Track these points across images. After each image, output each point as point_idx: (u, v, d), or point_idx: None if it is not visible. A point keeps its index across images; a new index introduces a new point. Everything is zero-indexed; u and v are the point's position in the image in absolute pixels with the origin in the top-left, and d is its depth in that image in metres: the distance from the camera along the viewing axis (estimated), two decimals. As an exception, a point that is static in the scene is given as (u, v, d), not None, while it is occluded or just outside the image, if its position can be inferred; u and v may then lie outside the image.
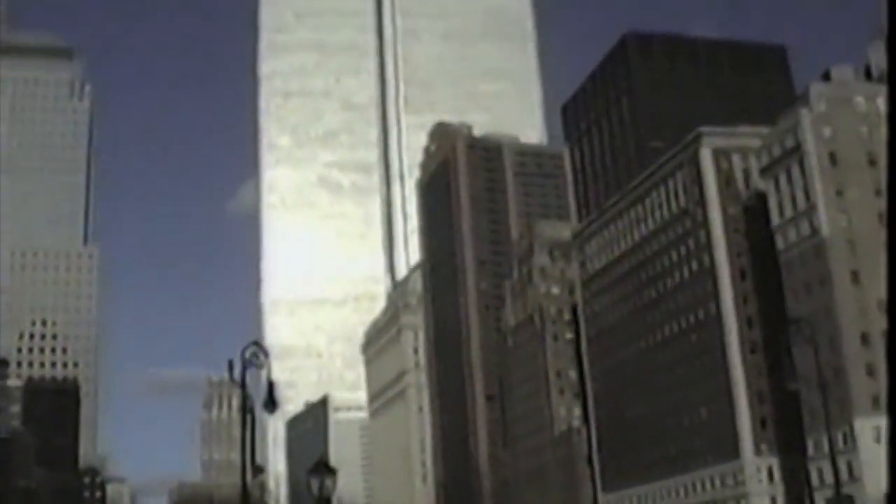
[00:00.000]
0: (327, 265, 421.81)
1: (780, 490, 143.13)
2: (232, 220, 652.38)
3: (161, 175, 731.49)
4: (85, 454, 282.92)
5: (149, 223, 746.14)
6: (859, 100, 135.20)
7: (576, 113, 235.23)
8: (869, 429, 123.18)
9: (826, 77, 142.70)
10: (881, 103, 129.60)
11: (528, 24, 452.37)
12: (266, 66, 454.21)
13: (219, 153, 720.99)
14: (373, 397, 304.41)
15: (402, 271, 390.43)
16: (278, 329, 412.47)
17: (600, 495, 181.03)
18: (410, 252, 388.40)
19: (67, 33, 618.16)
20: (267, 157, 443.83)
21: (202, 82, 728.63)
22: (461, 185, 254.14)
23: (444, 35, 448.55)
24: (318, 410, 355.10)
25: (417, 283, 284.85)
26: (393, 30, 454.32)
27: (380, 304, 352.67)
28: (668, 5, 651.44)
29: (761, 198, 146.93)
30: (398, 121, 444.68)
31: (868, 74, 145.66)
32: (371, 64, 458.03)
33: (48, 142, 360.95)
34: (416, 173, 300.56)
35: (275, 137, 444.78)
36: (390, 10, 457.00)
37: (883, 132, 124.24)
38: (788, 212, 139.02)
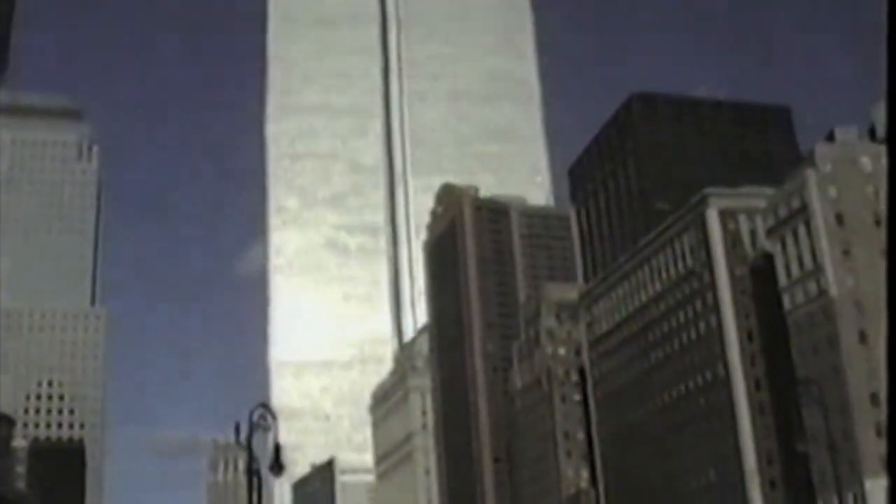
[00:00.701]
0: (334, 327, 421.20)
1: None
2: (239, 282, 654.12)
3: (169, 236, 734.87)
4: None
5: (156, 284, 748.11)
6: (864, 160, 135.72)
7: (582, 174, 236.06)
8: (880, 490, 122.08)
9: (831, 138, 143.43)
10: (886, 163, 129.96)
11: (534, 85, 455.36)
12: (274, 128, 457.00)
13: (227, 215, 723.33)
14: (380, 459, 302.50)
15: (409, 333, 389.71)
16: (285, 391, 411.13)
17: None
18: (418, 314, 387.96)
19: (75, 94, 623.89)
20: (274, 219, 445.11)
21: (210, 144, 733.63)
22: (468, 246, 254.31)
23: (450, 97, 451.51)
24: (325, 473, 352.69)
25: (424, 345, 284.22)
26: (399, 92, 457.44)
27: (387, 366, 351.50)
28: (673, 67, 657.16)
29: (768, 258, 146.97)
30: (405, 182, 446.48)
31: (872, 135, 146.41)
32: (378, 126, 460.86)
33: (56, 202, 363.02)
34: (423, 235, 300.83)
35: (282, 199, 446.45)
36: (397, 73, 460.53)
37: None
38: (796, 272, 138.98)
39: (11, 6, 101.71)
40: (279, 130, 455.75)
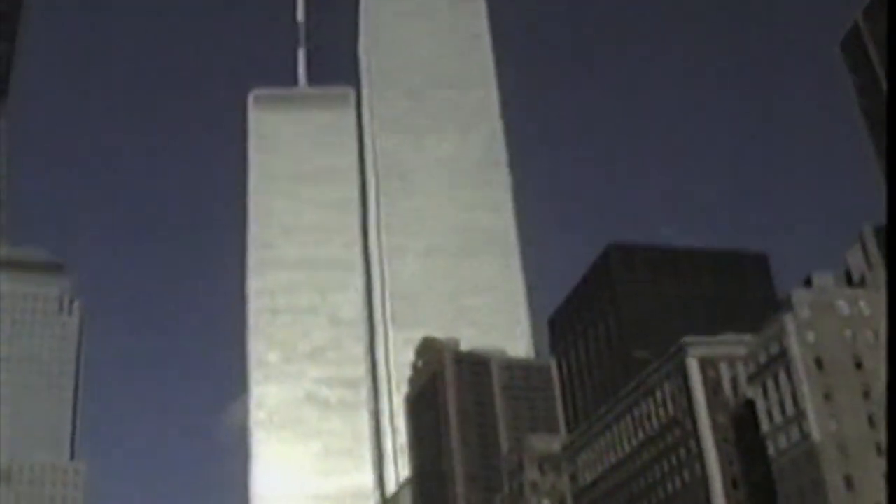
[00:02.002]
0: (316, 481, 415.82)
1: None
2: (220, 437, 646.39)
3: (150, 390, 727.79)
4: None
5: (137, 438, 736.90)
6: (841, 304, 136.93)
7: (562, 325, 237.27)
8: None
9: (807, 283, 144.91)
10: (864, 307, 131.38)
11: (512, 238, 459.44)
12: (254, 283, 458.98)
13: (207, 369, 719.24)
14: None
15: (391, 487, 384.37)
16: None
17: None
18: (400, 467, 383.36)
19: (57, 248, 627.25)
20: (255, 374, 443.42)
21: (191, 299, 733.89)
22: (449, 399, 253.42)
23: (429, 251, 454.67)
24: None
25: (407, 499, 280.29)
26: (378, 246, 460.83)
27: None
28: (650, 216, 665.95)
29: (750, 405, 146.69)
30: (385, 336, 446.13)
31: (849, 279, 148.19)
32: (357, 280, 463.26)
33: (37, 356, 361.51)
34: (404, 388, 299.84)
35: (263, 354, 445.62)
36: (375, 227, 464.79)
37: (867, 335, 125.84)
38: (778, 418, 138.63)
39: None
40: (259, 285, 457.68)
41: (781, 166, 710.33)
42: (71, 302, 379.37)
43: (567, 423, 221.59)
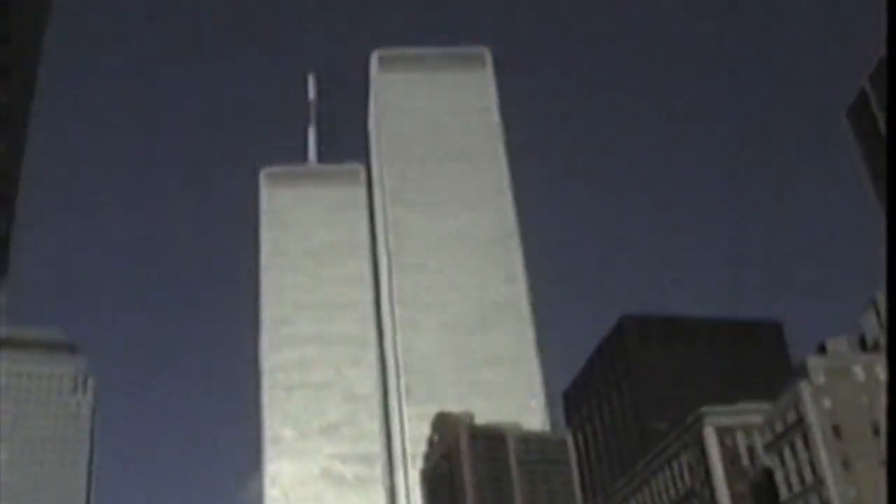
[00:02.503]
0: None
1: None
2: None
3: (164, 468, 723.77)
4: None
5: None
6: (857, 370, 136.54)
7: (577, 398, 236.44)
8: None
9: (822, 349, 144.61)
10: (879, 372, 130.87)
11: (525, 311, 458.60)
12: (268, 360, 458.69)
13: (221, 447, 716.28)
14: None
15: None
16: None
17: None
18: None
19: (71, 328, 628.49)
20: (270, 451, 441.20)
21: (204, 376, 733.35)
22: (465, 474, 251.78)
23: (442, 325, 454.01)
24: None
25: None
26: (392, 320, 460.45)
27: None
28: (662, 286, 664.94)
29: (768, 474, 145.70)
30: (400, 411, 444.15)
31: (863, 345, 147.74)
32: (371, 355, 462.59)
33: (50, 435, 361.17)
34: (420, 463, 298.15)
35: (278, 430, 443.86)
36: (388, 301, 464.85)
37: (883, 401, 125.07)
38: (796, 486, 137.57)
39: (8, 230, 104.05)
40: (273, 361, 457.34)
41: (791, 232, 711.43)
42: (84, 381, 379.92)
43: (584, 497, 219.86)
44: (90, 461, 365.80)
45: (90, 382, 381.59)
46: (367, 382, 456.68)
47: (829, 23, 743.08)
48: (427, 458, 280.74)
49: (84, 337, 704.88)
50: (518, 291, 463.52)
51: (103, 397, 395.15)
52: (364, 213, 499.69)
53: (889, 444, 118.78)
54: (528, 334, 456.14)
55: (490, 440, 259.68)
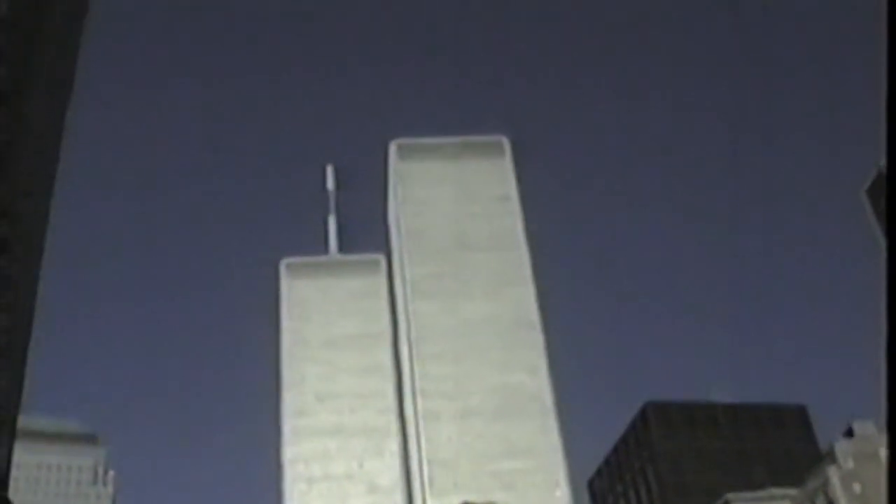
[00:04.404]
0: None
1: None
2: None
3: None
4: None
5: None
6: (884, 453, 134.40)
7: (602, 487, 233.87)
8: None
9: (849, 433, 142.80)
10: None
11: (548, 399, 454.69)
12: (289, 452, 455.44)
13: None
14: None
15: None
16: None
17: None
18: None
19: (91, 419, 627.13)
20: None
21: (225, 468, 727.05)
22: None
23: (465, 414, 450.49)
24: None
25: None
26: (414, 411, 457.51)
27: None
28: (685, 372, 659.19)
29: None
30: (423, 502, 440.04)
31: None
32: (393, 446, 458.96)
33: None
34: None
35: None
36: (410, 391, 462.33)
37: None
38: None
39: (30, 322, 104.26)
40: (294, 453, 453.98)
41: (814, 314, 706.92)
42: (105, 472, 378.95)
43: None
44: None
45: (111, 474, 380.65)
46: (389, 474, 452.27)
47: (848, 95, 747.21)
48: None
49: (104, 428, 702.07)
50: (540, 380, 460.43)
51: (124, 489, 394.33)
52: (385, 303, 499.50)
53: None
54: (552, 423, 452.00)
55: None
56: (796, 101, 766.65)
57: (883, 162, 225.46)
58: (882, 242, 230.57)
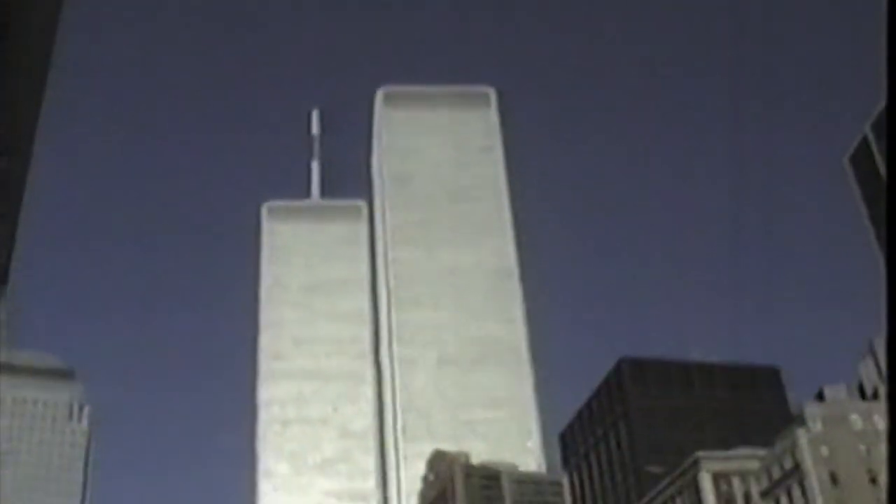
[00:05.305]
0: None
1: None
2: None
3: (157, 500, 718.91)
4: None
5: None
6: (855, 418, 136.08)
7: (573, 440, 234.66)
8: None
9: (820, 397, 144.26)
10: (877, 421, 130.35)
11: (524, 351, 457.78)
12: (264, 394, 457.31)
13: (216, 480, 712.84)
14: None
15: None
16: None
17: None
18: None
19: (67, 354, 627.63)
20: (264, 485, 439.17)
21: (201, 408, 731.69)
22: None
23: (440, 363, 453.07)
24: None
25: None
26: (390, 358, 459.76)
27: None
28: (661, 330, 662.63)
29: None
30: (396, 449, 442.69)
31: (861, 392, 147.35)
32: (368, 392, 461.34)
33: (45, 462, 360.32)
34: (414, 502, 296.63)
35: (272, 465, 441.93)
36: (387, 339, 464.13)
37: (881, 449, 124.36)
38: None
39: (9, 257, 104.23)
40: (270, 395, 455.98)
41: (790, 278, 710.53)
42: (80, 409, 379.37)
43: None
44: (84, 489, 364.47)
45: (86, 410, 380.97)
46: (363, 419, 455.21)
47: (832, 69, 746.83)
48: (422, 496, 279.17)
49: (81, 363, 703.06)
50: (517, 331, 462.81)
51: (98, 425, 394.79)
52: (365, 250, 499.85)
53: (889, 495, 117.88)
54: (526, 374, 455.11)
55: (486, 480, 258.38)
56: (788, 73, 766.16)
57: (867, 129, 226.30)
58: (863, 210, 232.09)
